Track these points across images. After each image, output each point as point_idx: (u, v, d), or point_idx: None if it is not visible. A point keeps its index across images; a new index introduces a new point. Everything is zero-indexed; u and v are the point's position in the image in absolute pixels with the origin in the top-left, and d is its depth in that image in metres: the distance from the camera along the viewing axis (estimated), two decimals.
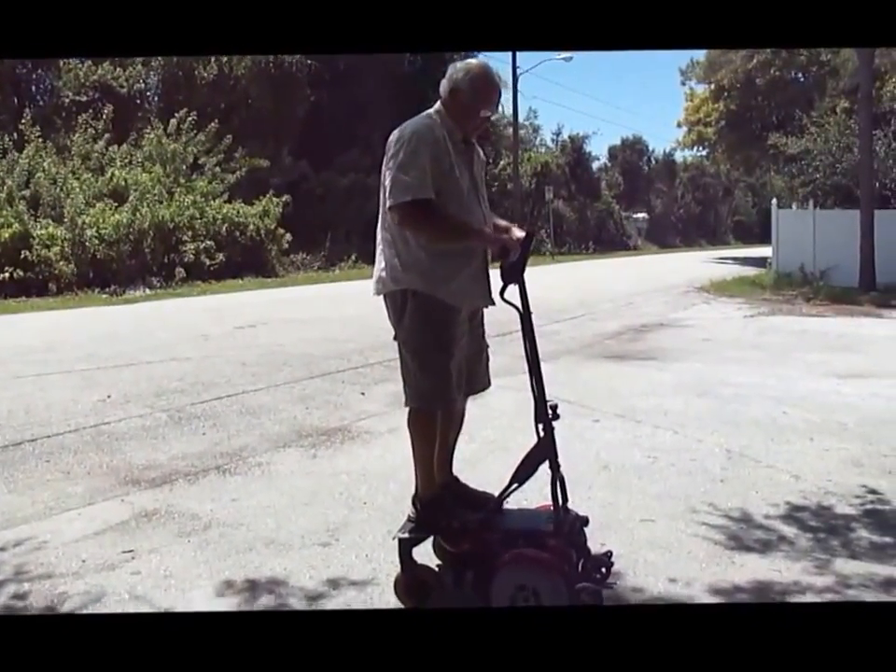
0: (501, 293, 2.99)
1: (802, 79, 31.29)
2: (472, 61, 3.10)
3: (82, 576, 3.28)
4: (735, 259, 31.03)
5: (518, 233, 3.06)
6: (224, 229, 20.40)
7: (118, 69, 23.63)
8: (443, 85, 3.07)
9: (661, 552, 3.49)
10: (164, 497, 4.25)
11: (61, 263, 16.88)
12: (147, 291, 17.16)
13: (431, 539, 3.13)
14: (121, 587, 3.17)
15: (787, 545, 3.61)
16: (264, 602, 3.06)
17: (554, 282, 17.78)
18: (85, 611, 2.98)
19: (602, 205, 44.26)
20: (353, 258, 23.65)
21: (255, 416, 5.96)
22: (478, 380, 3.22)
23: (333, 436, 5.43)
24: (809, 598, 3.08)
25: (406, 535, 3.01)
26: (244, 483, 4.48)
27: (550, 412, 2.94)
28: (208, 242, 19.60)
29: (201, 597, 3.09)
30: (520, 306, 2.97)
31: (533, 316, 3.04)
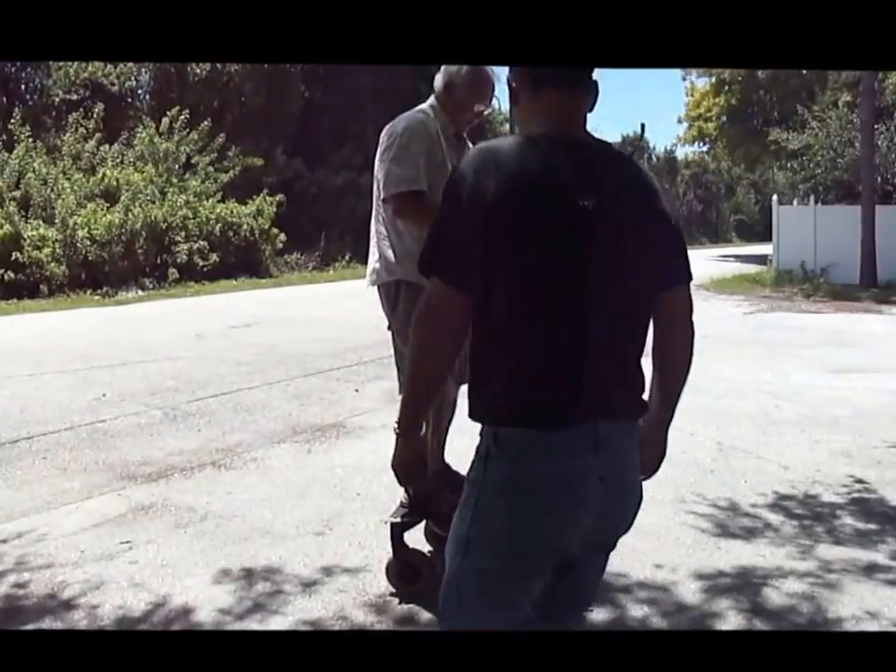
0: None
1: (804, 71, 31.14)
2: None
3: (81, 565, 3.34)
4: (736, 256, 30.96)
5: None
6: (217, 229, 20.24)
7: (108, 67, 23.21)
8: (438, 79, 3.11)
9: (648, 538, 3.55)
10: (160, 491, 4.30)
11: (52, 265, 16.74)
12: (140, 292, 17.10)
13: (423, 523, 3.20)
14: (119, 576, 3.23)
15: (772, 532, 3.69)
16: (259, 589, 3.12)
17: None
18: (84, 599, 3.04)
19: None
20: (347, 257, 23.57)
21: (249, 413, 6.01)
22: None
23: (327, 431, 5.48)
24: (791, 582, 3.15)
25: (398, 519, 3.07)
26: (239, 478, 4.53)
27: None
28: (201, 242, 19.45)
29: (197, 585, 3.15)
30: None
31: None
